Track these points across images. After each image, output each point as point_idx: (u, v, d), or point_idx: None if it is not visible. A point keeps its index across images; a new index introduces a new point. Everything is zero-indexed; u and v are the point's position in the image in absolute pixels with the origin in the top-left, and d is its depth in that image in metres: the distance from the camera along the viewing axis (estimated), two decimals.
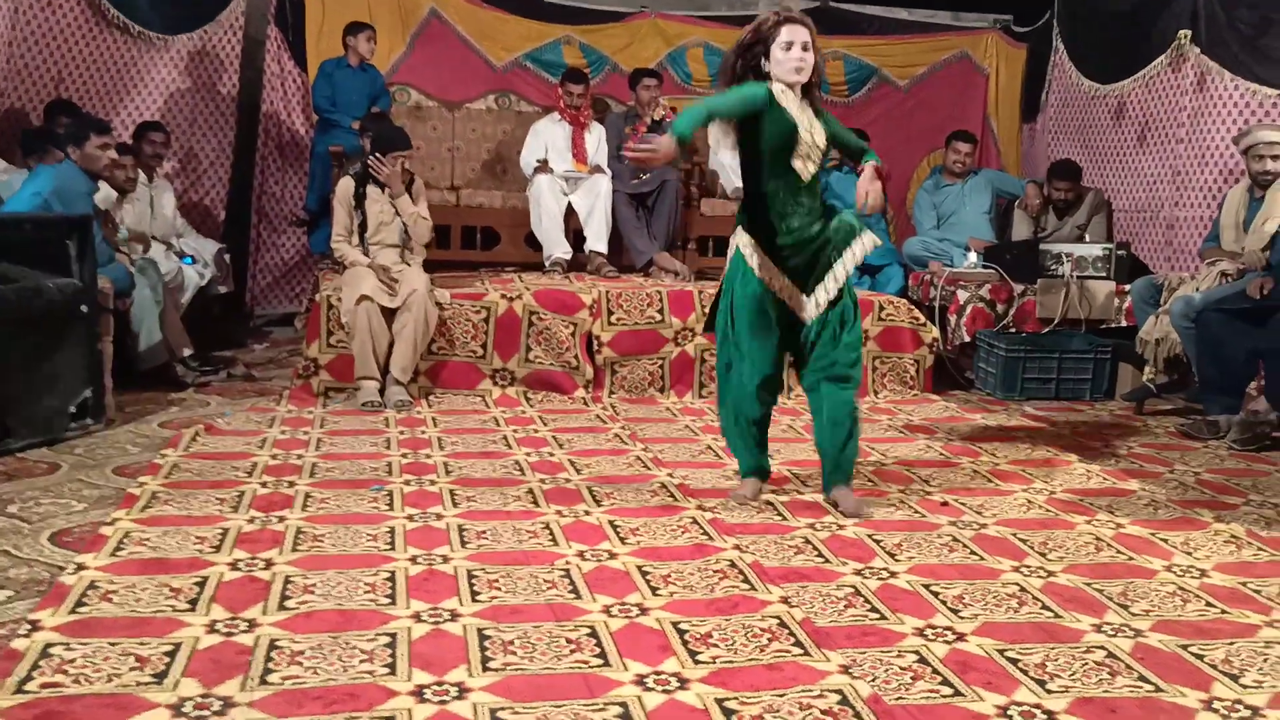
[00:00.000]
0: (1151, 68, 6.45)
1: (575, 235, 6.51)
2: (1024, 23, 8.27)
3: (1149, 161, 6.56)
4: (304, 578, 2.84)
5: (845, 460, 3.67)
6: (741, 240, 3.63)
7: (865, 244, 3.66)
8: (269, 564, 2.93)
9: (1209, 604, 2.86)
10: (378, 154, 5.18)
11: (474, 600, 2.72)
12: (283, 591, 2.74)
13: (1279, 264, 4.79)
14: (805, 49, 3.49)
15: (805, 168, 3.54)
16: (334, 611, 2.63)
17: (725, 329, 3.65)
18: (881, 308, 5.76)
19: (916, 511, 3.63)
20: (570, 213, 6.52)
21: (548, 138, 6.74)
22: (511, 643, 2.47)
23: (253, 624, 2.53)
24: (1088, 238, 6.50)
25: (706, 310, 3.82)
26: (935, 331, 5.88)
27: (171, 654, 2.35)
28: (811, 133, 3.53)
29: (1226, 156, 5.92)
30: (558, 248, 6.41)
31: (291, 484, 3.71)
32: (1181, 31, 6.16)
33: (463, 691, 2.23)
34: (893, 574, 3.02)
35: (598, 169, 6.63)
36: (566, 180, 6.55)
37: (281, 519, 3.32)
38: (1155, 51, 6.41)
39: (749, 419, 3.69)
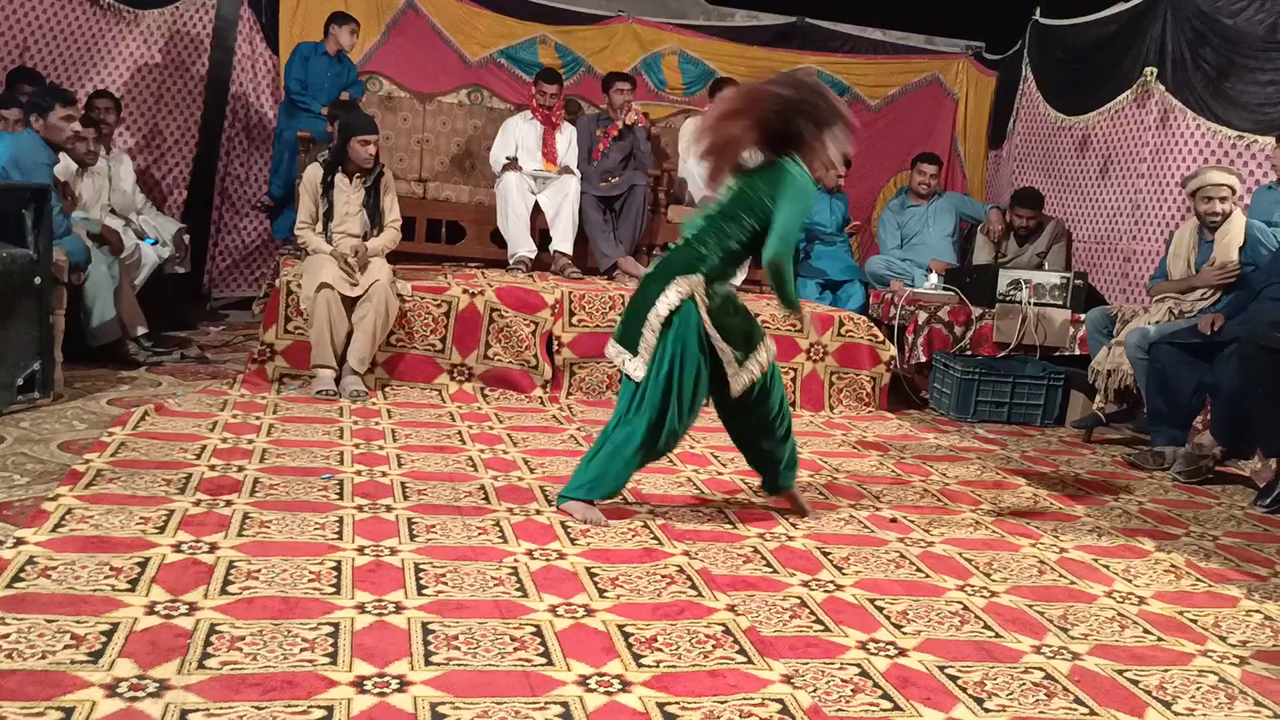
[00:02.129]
0: (1117, 102, 6.56)
1: (541, 235, 6.50)
2: (995, 50, 8.37)
3: (1110, 194, 6.67)
4: (248, 563, 2.80)
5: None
6: (697, 291, 3.40)
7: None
8: (213, 548, 2.90)
9: (1146, 631, 2.90)
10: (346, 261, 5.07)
11: (420, 594, 2.71)
12: (226, 576, 2.70)
13: (1229, 303, 4.88)
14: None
15: None
16: (277, 599, 2.60)
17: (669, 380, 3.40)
18: (841, 324, 5.80)
19: (866, 527, 3.66)
20: (537, 212, 6.50)
21: (518, 136, 6.72)
22: (455, 638, 2.46)
23: (193, 607, 2.50)
24: (1047, 266, 6.60)
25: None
26: (893, 350, 5.93)
27: (109, 634, 2.32)
28: None
29: (1184, 193, 6.02)
30: (522, 246, 6.39)
31: (240, 468, 3.67)
32: (1148, 68, 6.27)
33: (403, 684, 2.22)
34: (839, 587, 3.04)
35: (567, 170, 6.62)
36: (535, 179, 6.54)
37: (229, 503, 3.28)
38: (1121, 86, 6.51)
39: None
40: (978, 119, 8.37)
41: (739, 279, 3.65)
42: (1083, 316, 5.95)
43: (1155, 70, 6.23)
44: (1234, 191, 5.00)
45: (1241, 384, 4.41)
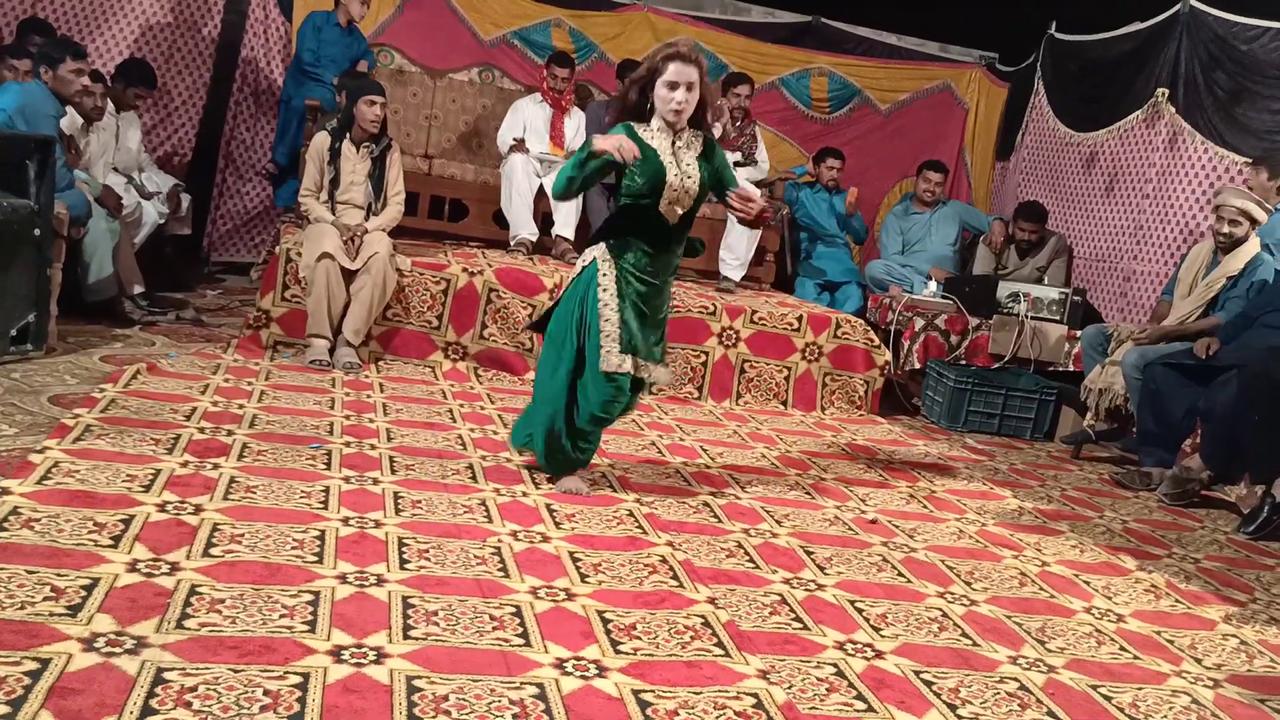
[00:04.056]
0: (1127, 121, 6.56)
1: (544, 218, 6.48)
2: (1009, 62, 8.37)
3: (1113, 212, 6.67)
4: (232, 527, 2.80)
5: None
6: (601, 262, 3.56)
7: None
8: (198, 509, 2.89)
9: (1123, 648, 2.91)
10: None
11: (402, 568, 2.71)
12: (209, 539, 2.70)
13: (1225, 327, 4.89)
14: (690, 89, 3.44)
15: (671, 211, 3.53)
16: (259, 564, 2.60)
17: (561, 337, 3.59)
18: (838, 325, 5.81)
19: (850, 529, 3.66)
20: (541, 195, 6.48)
21: (527, 117, 6.70)
22: (435, 613, 2.46)
23: (175, 567, 2.50)
24: (1046, 280, 6.60)
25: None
26: (888, 355, 5.93)
27: (89, 588, 2.32)
28: (684, 177, 3.50)
29: (1189, 216, 6.03)
30: (525, 228, 6.38)
31: (230, 433, 3.67)
32: (1160, 89, 6.27)
33: (381, 656, 2.22)
34: (820, 586, 3.05)
35: (573, 154, 6.59)
36: (541, 162, 6.52)
37: (216, 466, 3.28)
38: (1132, 106, 6.51)
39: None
40: (987, 130, 8.37)
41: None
42: (1079, 333, 5.96)
43: (1167, 91, 6.23)
44: (1250, 219, 5.00)
45: (1237, 410, 4.41)
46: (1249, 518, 4.39)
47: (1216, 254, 5.15)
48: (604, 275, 3.54)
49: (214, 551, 2.63)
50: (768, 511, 3.71)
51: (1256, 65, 5.71)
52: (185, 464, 3.26)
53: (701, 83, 3.47)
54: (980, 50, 8.59)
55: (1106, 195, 6.76)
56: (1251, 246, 4.99)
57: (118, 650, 2.08)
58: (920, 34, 8.57)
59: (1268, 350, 4.33)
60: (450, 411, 4.52)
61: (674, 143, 3.53)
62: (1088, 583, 3.44)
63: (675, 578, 2.93)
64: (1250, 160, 5.45)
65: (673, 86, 3.45)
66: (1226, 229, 5.02)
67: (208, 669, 2.07)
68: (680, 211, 3.55)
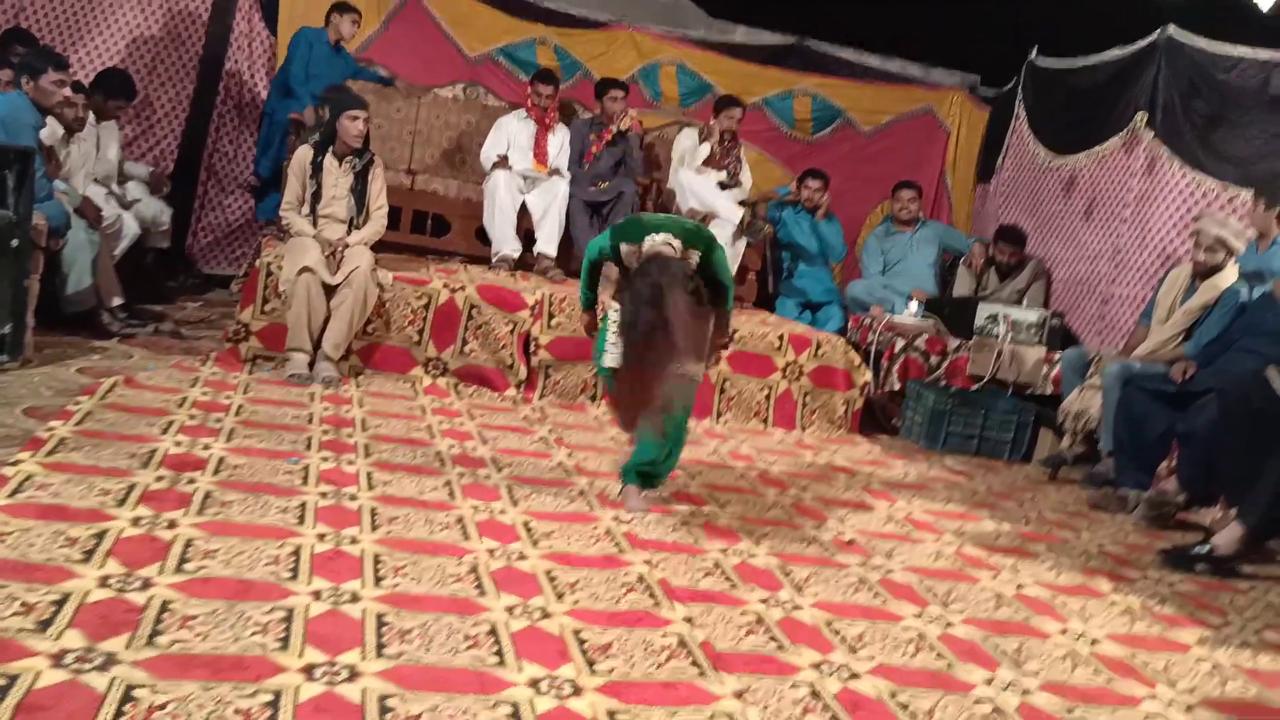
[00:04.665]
0: (1106, 146, 6.62)
1: (526, 235, 6.49)
2: (990, 86, 8.45)
3: (1092, 236, 6.73)
4: (206, 542, 2.78)
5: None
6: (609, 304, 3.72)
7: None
8: (172, 524, 2.87)
9: (1097, 671, 2.92)
10: None
11: (377, 585, 2.69)
12: (183, 554, 2.68)
13: (1200, 351, 4.93)
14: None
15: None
16: (233, 580, 2.58)
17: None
18: (819, 345, 5.82)
19: (827, 549, 3.67)
20: (524, 212, 6.50)
21: (511, 134, 6.72)
22: (409, 631, 2.45)
23: (147, 583, 2.48)
24: (1025, 303, 6.65)
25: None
26: (868, 375, 5.96)
27: (59, 604, 2.30)
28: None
29: (1166, 240, 6.09)
30: (507, 244, 6.38)
31: (206, 446, 3.64)
32: (1139, 114, 6.33)
33: (353, 675, 2.20)
34: (797, 606, 3.05)
35: (556, 172, 6.62)
36: (524, 179, 6.53)
37: (191, 481, 3.26)
38: (1112, 130, 6.58)
39: None
40: (968, 152, 8.43)
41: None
42: (1057, 356, 5.99)
43: (1145, 117, 6.29)
44: (1226, 247, 5.05)
45: (1215, 434, 4.44)
46: (1178, 553, 4.23)
47: (1194, 280, 5.20)
48: (612, 309, 3.68)
49: (187, 567, 2.61)
50: (746, 530, 3.71)
51: (1234, 93, 5.79)
52: (160, 478, 3.23)
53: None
54: (962, 73, 8.67)
55: (1085, 219, 6.81)
56: (1228, 275, 5.04)
57: (87, 667, 2.06)
58: (903, 56, 8.65)
59: (1246, 375, 4.36)
60: (430, 427, 4.50)
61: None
62: (1063, 605, 3.45)
63: (652, 596, 2.93)
64: (1251, 190, 5.48)
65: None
66: (1203, 256, 5.07)
67: (178, 686, 2.05)
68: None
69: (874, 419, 6.13)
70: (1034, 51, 7.64)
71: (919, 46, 8.53)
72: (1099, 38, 6.91)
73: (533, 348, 5.45)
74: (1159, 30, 6.27)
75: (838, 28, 8.41)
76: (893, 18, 8.28)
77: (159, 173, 6.33)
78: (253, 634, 2.31)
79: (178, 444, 3.62)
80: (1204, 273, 5.11)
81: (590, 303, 4.00)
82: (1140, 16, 6.36)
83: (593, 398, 5.50)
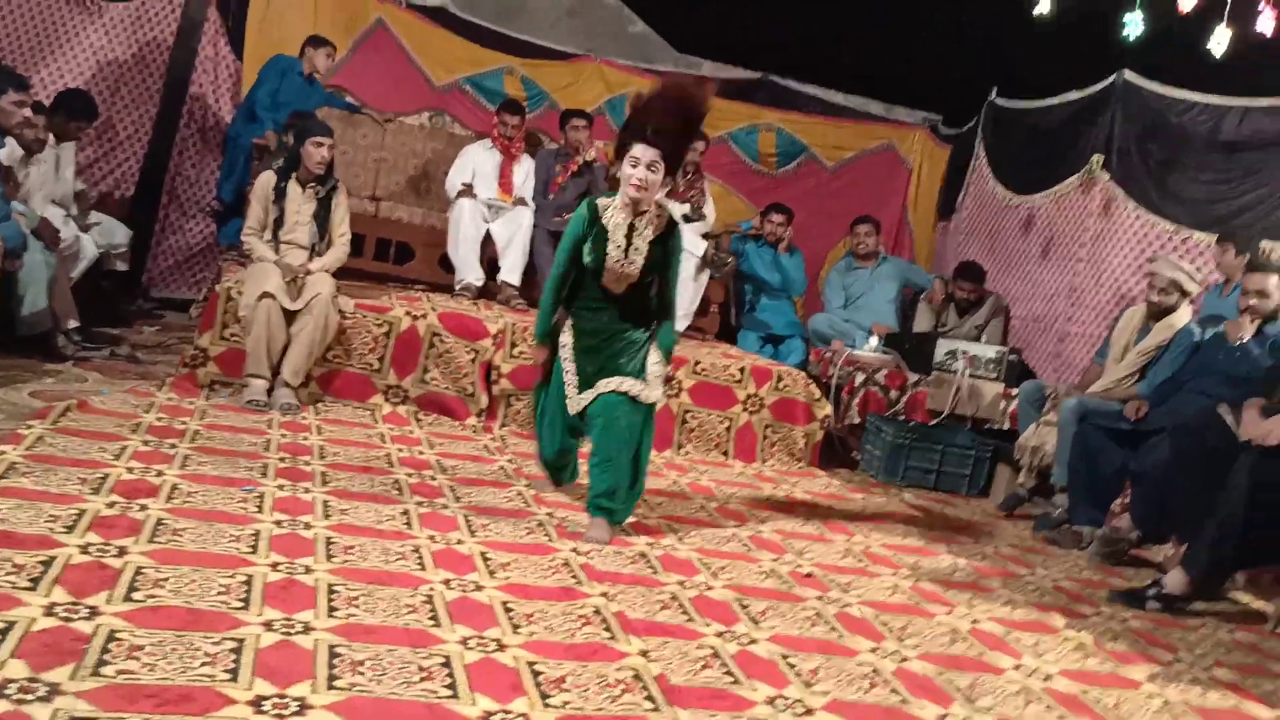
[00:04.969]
0: (1063, 186, 6.74)
1: (490, 263, 6.49)
2: (952, 125, 8.58)
3: (1049, 275, 6.83)
4: (156, 570, 2.74)
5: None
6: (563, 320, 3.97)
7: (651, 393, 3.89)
8: (122, 552, 2.83)
9: (1049, 707, 2.94)
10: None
11: (330, 615, 2.66)
12: (132, 582, 2.64)
13: (1153, 391, 5.01)
14: (651, 169, 3.64)
15: (615, 286, 3.83)
16: (182, 609, 2.54)
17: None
18: (780, 378, 5.86)
19: (785, 582, 3.67)
20: (488, 240, 6.50)
21: (476, 163, 6.74)
22: (362, 663, 2.42)
23: (95, 611, 2.44)
24: (984, 339, 6.73)
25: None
26: (829, 408, 5.99)
27: (4, 632, 2.25)
28: (624, 262, 3.75)
29: (1121, 280, 6.19)
30: (470, 273, 6.38)
31: (160, 473, 3.60)
32: (1096, 155, 6.46)
33: (303, 708, 2.18)
34: (753, 640, 3.04)
35: (521, 201, 6.64)
36: (489, 208, 6.54)
37: (143, 507, 3.21)
38: (1069, 171, 6.70)
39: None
40: (929, 189, 8.55)
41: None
42: (1015, 391, 6.06)
43: (1101, 158, 6.42)
44: (1180, 289, 5.14)
45: (1168, 473, 4.50)
46: (1133, 593, 4.26)
47: (1149, 320, 5.28)
48: (564, 334, 3.95)
49: (136, 596, 2.57)
50: (704, 563, 3.71)
51: (1187, 137, 5.92)
52: (112, 504, 3.19)
53: (669, 160, 3.70)
54: (924, 112, 8.81)
55: (1043, 257, 6.92)
56: (1182, 316, 5.13)
57: (29, 698, 2.02)
58: (866, 94, 8.78)
59: (1199, 414, 4.43)
60: (388, 456, 4.47)
61: (632, 224, 3.71)
62: (1017, 640, 3.47)
63: (608, 629, 2.91)
64: (1203, 232, 5.60)
65: (635, 164, 3.66)
66: (1157, 297, 5.17)
67: (122, 719, 2.01)
68: (624, 287, 3.84)
69: (834, 452, 6.16)
70: (993, 92, 7.78)
71: (882, 85, 8.66)
72: (1057, 80, 7.06)
73: (494, 376, 5.44)
74: (1115, 74, 6.41)
75: (803, 65, 8.52)
76: (857, 56, 8.39)
77: (86, 193, 6.22)
78: (201, 665, 2.28)
79: (130, 470, 3.57)
80: (1158, 314, 5.20)
81: (547, 335, 4.00)
82: (1097, 60, 6.49)
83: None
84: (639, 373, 3.86)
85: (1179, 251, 5.79)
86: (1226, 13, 5.04)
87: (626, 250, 3.76)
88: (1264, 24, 5.21)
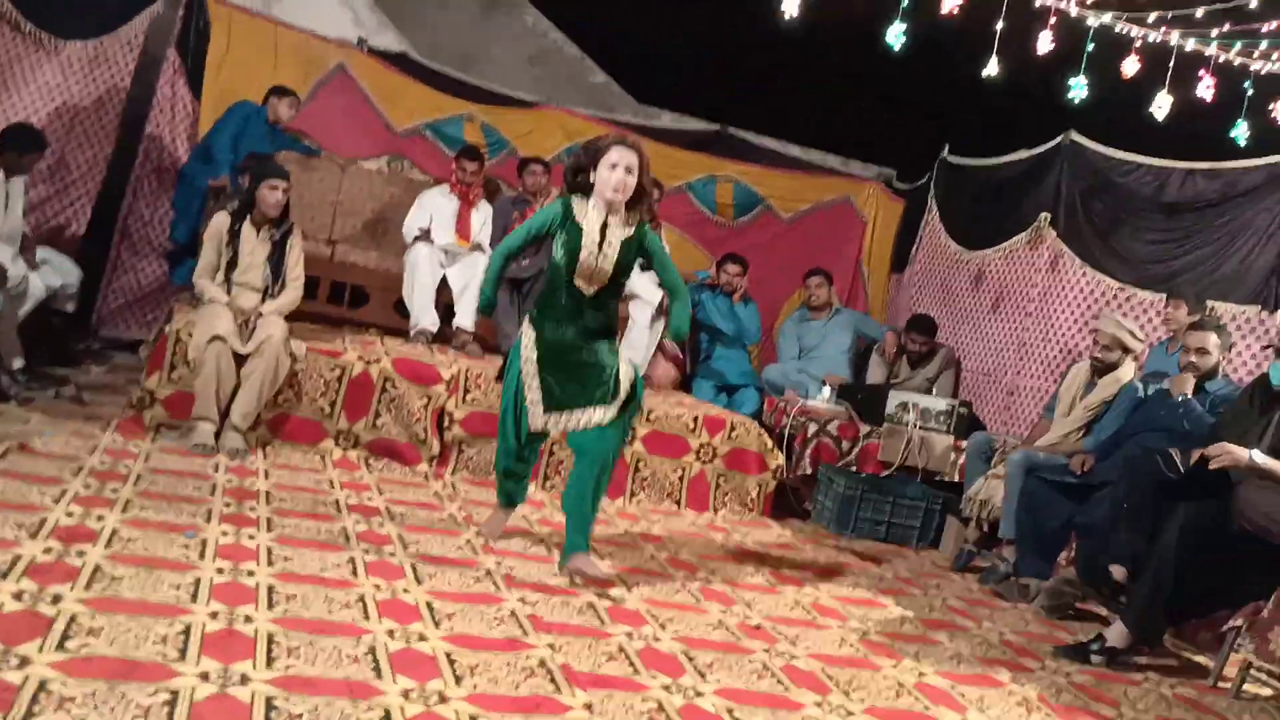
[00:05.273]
0: (1012, 242, 6.87)
1: (445, 308, 6.48)
2: (905, 180, 8.73)
3: (999, 329, 6.94)
4: (91, 618, 2.69)
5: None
6: (525, 330, 4.01)
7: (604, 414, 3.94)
8: (57, 599, 2.77)
9: None
10: None
11: (269, 666, 2.62)
12: (65, 631, 2.59)
13: (1099, 445, 5.09)
14: (629, 172, 3.77)
15: (586, 286, 3.85)
16: (117, 659, 2.50)
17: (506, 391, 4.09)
18: (733, 428, 5.88)
19: (733, 634, 3.67)
20: (444, 285, 6.49)
21: (434, 208, 6.74)
22: (299, 716, 2.38)
23: (25, 661, 2.39)
24: (935, 391, 6.80)
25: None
26: (781, 458, 6.02)
27: None
28: (598, 257, 3.80)
29: (1068, 335, 6.31)
30: (425, 318, 6.36)
31: (100, 517, 3.54)
32: (1043, 213, 6.60)
33: None
34: (699, 694, 3.03)
35: (478, 247, 6.65)
36: (446, 253, 6.55)
37: (81, 553, 3.16)
38: (1017, 228, 6.83)
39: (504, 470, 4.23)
40: (883, 242, 8.67)
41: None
42: (965, 443, 6.12)
43: (1049, 216, 6.56)
44: (1123, 346, 5.24)
45: (1113, 496, 4.55)
46: (1077, 647, 4.26)
47: (1094, 376, 5.38)
48: (526, 346, 3.96)
49: (69, 645, 2.52)
50: (653, 614, 3.69)
51: (1131, 197, 6.06)
52: (48, 550, 3.13)
53: (641, 169, 3.80)
54: (879, 167, 8.96)
55: (993, 312, 7.03)
56: (1126, 372, 5.23)
57: None
58: (823, 147, 8.92)
59: (1145, 450, 4.48)
60: (337, 502, 4.43)
61: (605, 223, 3.76)
62: (962, 694, 3.49)
63: (553, 681, 2.89)
64: (1147, 290, 5.72)
65: (614, 167, 3.77)
66: (1100, 354, 5.27)
67: None
68: (595, 287, 3.87)
69: (786, 503, 6.18)
70: (945, 149, 7.94)
71: (838, 139, 8.81)
72: (1006, 139, 7.22)
73: (446, 422, 5.41)
74: (1062, 135, 6.57)
75: (760, 117, 8.66)
76: (813, 111, 8.55)
77: (27, 233, 6.14)
78: (134, 718, 2.23)
79: (70, 514, 3.50)
80: (1102, 369, 5.30)
81: (491, 306, 4.17)
82: (1045, 120, 6.66)
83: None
84: (611, 396, 3.91)
85: (1123, 309, 5.91)
86: (1168, 79, 5.21)
87: (600, 246, 3.82)
88: (1203, 90, 5.39)
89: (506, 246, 4.03)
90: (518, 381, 3.98)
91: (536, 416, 3.95)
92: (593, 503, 3.93)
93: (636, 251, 3.92)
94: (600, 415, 3.91)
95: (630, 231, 3.88)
